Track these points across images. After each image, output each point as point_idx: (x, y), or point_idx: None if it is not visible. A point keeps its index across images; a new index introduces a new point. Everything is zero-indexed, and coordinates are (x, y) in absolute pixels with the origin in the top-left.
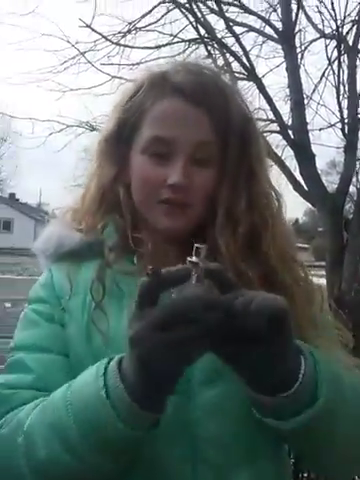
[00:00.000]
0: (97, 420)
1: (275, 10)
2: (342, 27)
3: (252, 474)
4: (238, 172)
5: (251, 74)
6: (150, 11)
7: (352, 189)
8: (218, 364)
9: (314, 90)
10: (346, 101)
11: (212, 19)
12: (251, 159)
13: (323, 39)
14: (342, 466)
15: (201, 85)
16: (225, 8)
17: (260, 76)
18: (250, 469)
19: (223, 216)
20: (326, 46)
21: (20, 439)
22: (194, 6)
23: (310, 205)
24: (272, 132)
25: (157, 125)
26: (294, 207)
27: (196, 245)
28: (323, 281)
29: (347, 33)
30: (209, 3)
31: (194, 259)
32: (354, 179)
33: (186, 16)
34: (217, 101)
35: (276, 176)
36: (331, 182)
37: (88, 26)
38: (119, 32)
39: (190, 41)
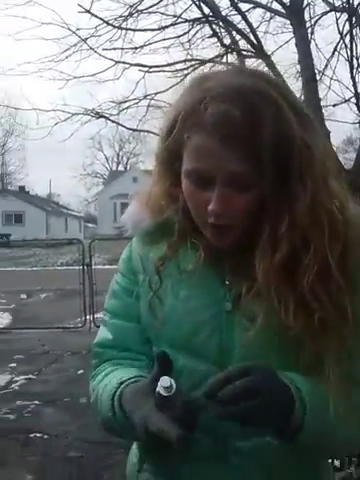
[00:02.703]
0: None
1: None
2: None
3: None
4: (277, 195)
5: (259, 52)
6: None
7: None
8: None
9: (326, 65)
10: None
11: None
12: (291, 180)
13: (334, 12)
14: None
15: (227, 119)
16: None
17: (269, 53)
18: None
19: (265, 241)
20: (337, 19)
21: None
22: None
23: None
24: None
25: (191, 159)
26: None
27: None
28: None
29: (358, 5)
30: None
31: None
32: None
33: None
34: (244, 133)
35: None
36: (349, 159)
37: (88, 11)
38: (120, 16)
39: (194, 21)
